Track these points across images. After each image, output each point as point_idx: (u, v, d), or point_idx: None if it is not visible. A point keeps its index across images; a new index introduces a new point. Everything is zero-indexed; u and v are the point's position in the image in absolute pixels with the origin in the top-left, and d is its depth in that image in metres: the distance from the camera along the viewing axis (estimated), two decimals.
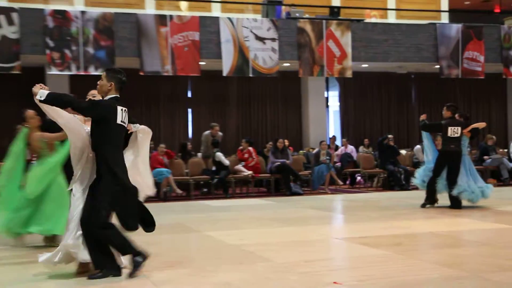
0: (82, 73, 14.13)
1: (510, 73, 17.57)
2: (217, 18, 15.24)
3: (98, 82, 5.60)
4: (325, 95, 18.15)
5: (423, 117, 10.85)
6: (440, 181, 10.53)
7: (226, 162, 14.04)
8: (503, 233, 8.04)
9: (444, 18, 18.80)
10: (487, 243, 7.17)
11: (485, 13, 21.75)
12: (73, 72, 14.10)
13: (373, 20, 17.57)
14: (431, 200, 10.79)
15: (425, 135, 11.44)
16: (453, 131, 10.38)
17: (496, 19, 20.02)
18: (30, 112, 7.30)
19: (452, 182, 10.32)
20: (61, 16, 13.96)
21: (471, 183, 10.50)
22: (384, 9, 18.54)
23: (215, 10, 16.73)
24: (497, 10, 21.78)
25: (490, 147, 16.57)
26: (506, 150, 16.88)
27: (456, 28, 17.03)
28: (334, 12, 16.92)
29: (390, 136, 15.65)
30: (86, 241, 5.13)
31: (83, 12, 14.24)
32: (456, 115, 10.75)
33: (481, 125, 11.39)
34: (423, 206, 10.76)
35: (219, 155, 14.11)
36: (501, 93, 19.78)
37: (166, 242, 7.65)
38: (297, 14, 16.31)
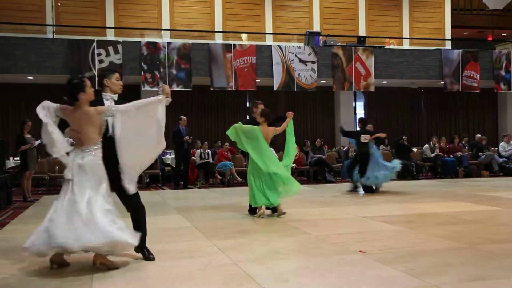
0: None
1: (500, 88, 17.24)
2: (269, 46, 15.30)
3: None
4: (353, 105, 18.01)
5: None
6: (354, 173, 11.15)
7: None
8: (494, 214, 7.91)
9: (448, 45, 18.52)
10: (481, 222, 7.07)
11: (481, 40, 21.30)
12: (145, 88, 14.34)
13: (391, 46, 17.39)
14: (354, 186, 11.45)
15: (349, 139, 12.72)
16: (364, 138, 11.05)
17: (489, 45, 19.66)
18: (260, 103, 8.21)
19: (362, 173, 10.81)
20: (153, 46, 14.25)
21: (376, 173, 10.87)
22: (400, 38, 18.33)
23: (268, 40, 16.78)
24: (490, 38, 21.33)
25: (483, 146, 16.30)
26: (496, 148, 16.57)
27: (457, 53, 16.76)
28: (361, 40, 16.79)
29: (404, 137, 15.51)
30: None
31: (169, 43, 14.50)
32: (369, 126, 12.05)
33: (381, 135, 11.98)
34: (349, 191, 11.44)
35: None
36: (493, 104, 19.43)
37: (229, 218, 7.74)
38: (332, 42, 16.23)
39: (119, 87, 4.98)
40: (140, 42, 14.38)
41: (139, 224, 4.85)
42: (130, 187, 4.68)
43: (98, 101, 4.75)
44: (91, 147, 4.57)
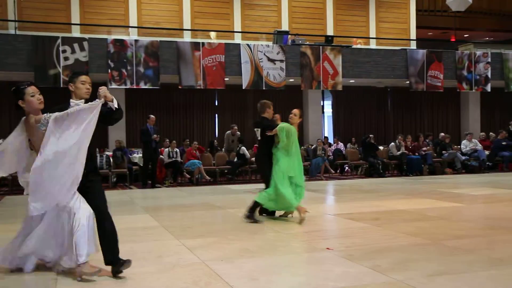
0: (134, 87, 14.28)
1: (463, 87, 17.57)
2: (238, 45, 15.29)
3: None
4: (321, 104, 18.14)
5: None
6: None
7: (248, 155, 14.13)
8: (456, 210, 8.08)
9: (413, 45, 18.80)
10: (444, 218, 7.20)
11: (444, 41, 21.70)
12: (128, 86, 14.24)
13: (359, 46, 17.57)
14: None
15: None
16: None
17: (452, 46, 20.01)
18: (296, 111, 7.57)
19: None
20: (120, 44, 14.08)
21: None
22: (367, 38, 18.54)
23: (237, 38, 16.78)
24: (453, 39, 21.74)
25: (447, 144, 16.58)
26: (459, 146, 16.87)
27: (422, 53, 17.02)
28: (329, 40, 16.92)
29: (371, 135, 15.69)
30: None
31: (136, 41, 14.36)
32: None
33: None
34: None
35: (244, 149, 14.24)
36: (456, 103, 19.77)
37: (198, 217, 7.72)
38: (300, 41, 16.31)
39: (85, 91, 4.49)
40: (106, 39, 14.18)
41: None
42: (34, 206, 4.17)
43: (60, 109, 4.32)
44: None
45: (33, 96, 4.29)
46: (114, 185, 13.30)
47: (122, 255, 4.40)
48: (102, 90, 4.31)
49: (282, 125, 7.20)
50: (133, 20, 16.29)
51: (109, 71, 13.92)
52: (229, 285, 3.95)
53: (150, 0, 16.53)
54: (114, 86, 14.00)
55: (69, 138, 4.09)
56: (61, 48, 13.52)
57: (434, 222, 6.87)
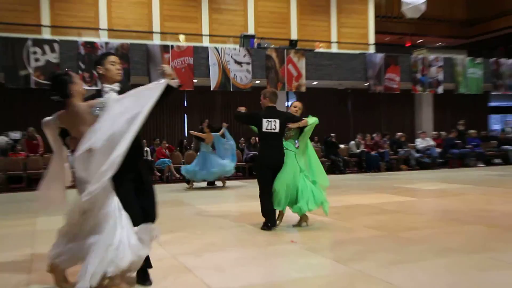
0: None
1: (417, 89, 17.83)
2: (206, 47, 15.23)
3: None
4: (286, 105, 18.21)
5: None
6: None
7: None
8: (411, 203, 8.25)
9: (372, 49, 19.00)
10: (400, 211, 7.34)
11: (400, 46, 22.04)
12: (99, 87, 13.98)
13: (321, 50, 17.69)
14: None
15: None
16: None
17: (407, 50, 20.32)
18: (298, 104, 6.81)
19: None
20: (90, 46, 13.86)
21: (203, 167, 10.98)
22: (329, 42, 18.68)
23: (205, 42, 16.71)
24: (408, 44, 22.09)
25: (402, 143, 16.89)
26: (413, 144, 17.15)
27: (380, 57, 17.24)
28: (293, 43, 17.00)
29: (332, 135, 15.87)
30: None
31: (106, 43, 14.16)
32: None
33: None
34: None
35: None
36: (411, 104, 20.09)
37: (167, 213, 7.68)
38: (266, 45, 16.36)
39: (116, 73, 3.94)
40: (77, 41, 13.93)
41: None
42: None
43: (93, 96, 3.85)
44: None
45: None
46: None
47: None
48: (167, 68, 3.96)
49: (313, 117, 6.63)
50: (103, 23, 16.05)
51: (80, 72, 13.67)
52: (197, 277, 3.97)
53: (120, 4, 16.32)
54: (85, 87, 13.75)
55: (129, 118, 3.56)
56: (31, 50, 13.22)
57: (391, 216, 6.99)
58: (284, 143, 6.32)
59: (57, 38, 14.05)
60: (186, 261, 4.46)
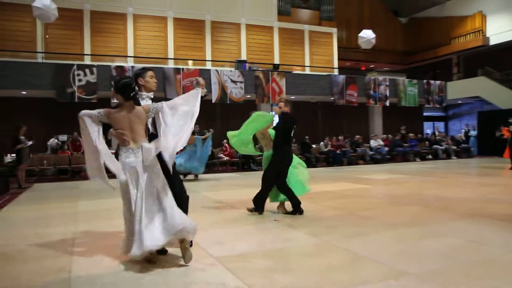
0: None
1: (370, 102, 17.93)
2: (209, 70, 15.19)
3: None
4: (270, 114, 18.23)
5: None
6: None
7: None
8: (366, 190, 8.25)
9: (336, 72, 19.08)
10: (358, 196, 7.35)
11: (357, 70, 22.17)
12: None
13: (297, 72, 17.73)
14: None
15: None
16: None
17: (362, 73, 20.44)
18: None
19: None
20: (120, 69, 13.75)
21: (187, 161, 10.36)
22: (303, 66, 18.73)
23: (208, 65, 16.67)
24: (363, 68, 22.23)
25: (360, 143, 16.94)
26: (368, 144, 17.21)
27: (342, 77, 17.31)
28: (276, 67, 17.00)
29: (306, 137, 15.88)
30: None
31: (132, 67, 14.05)
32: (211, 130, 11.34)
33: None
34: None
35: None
36: (366, 113, 20.12)
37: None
38: (255, 68, 16.34)
39: (154, 85, 3.86)
40: (110, 66, 13.82)
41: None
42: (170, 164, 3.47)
43: (119, 104, 3.69)
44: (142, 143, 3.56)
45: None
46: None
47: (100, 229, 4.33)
48: (200, 79, 3.85)
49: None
50: (130, 51, 15.97)
51: (112, 89, 13.57)
52: (203, 249, 3.95)
53: (143, 37, 16.24)
54: (115, 101, 13.66)
55: (186, 115, 3.58)
56: (76, 72, 13.12)
57: (351, 199, 7.01)
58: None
59: (95, 63, 13.96)
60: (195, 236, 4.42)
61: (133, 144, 3.53)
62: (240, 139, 5.86)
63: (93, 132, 3.53)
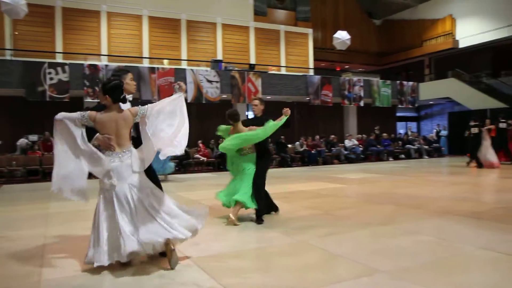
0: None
1: (345, 103, 18.12)
2: (184, 69, 15.06)
3: None
4: (246, 114, 18.20)
5: None
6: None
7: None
8: (340, 189, 8.33)
9: (311, 72, 19.23)
10: (332, 195, 7.42)
11: (332, 70, 22.42)
12: (99, 100, 13.64)
13: (273, 72, 17.77)
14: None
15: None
16: None
17: (337, 73, 20.67)
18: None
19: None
20: (93, 67, 13.46)
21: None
22: (279, 66, 18.79)
23: (184, 65, 16.52)
24: (338, 69, 22.49)
25: (335, 143, 17.12)
26: (343, 144, 17.39)
27: (317, 78, 17.46)
28: (252, 67, 17.00)
29: (282, 137, 15.92)
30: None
31: (106, 65, 13.79)
32: None
33: None
34: None
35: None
36: (340, 114, 20.33)
37: None
38: (230, 68, 16.29)
39: (133, 87, 3.80)
40: (83, 64, 13.52)
41: None
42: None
43: (100, 106, 3.59)
44: (128, 148, 3.46)
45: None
46: (89, 175, 12.74)
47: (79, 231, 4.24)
48: (182, 85, 3.74)
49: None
50: (104, 50, 15.68)
51: (85, 88, 13.29)
52: (179, 250, 3.91)
53: (117, 35, 15.96)
54: (89, 100, 13.39)
55: (166, 117, 3.53)
56: (47, 71, 12.77)
57: (326, 199, 7.04)
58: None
59: (67, 61, 13.63)
60: None
61: (118, 149, 3.41)
62: (244, 142, 5.24)
63: (77, 136, 3.31)
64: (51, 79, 12.82)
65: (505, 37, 19.72)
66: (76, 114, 3.35)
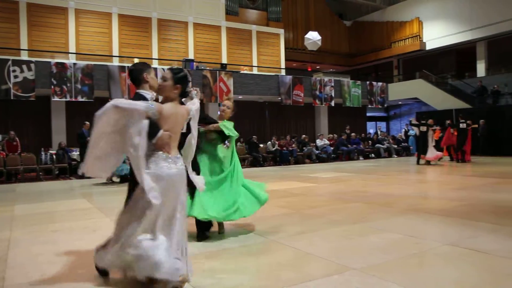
0: (73, 100, 13.32)
1: (316, 103, 18.35)
2: (155, 68, 14.83)
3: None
4: (218, 113, 18.13)
5: None
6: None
7: None
8: (312, 188, 8.40)
9: (283, 72, 19.37)
10: (304, 194, 7.48)
11: (303, 70, 22.64)
12: (68, 99, 13.27)
13: (245, 72, 17.77)
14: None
15: None
16: None
17: (309, 74, 20.86)
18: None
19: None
20: (61, 66, 13.10)
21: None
22: (251, 66, 18.81)
23: (155, 64, 16.30)
24: (309, 69, 22.70)
25: (306, 142, 17.26)
26: (314, 144, 17.56)
27: (289, 78, 17.57)
28: (223, 66, 16.97)
29: (254, 136, 15.93)
30: None
31: (74, 63, 13.44)
32: None
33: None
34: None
35: None
36: (312, 113, 20.45)
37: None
38: (202, 67, 16.21)
39: (157, 84, 3.08)
40: (50, 62, 13.14)
41: None
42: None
43: (138, 98, 2.97)
44: (179, 153, 2.91)
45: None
46: (57, 176, 12.40)
47: (63, 231, 4.12)
48: (198, 90, 3.22)
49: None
50: (72, 48, 15.27)
51: (52, 87, 12.91)
52: None
53: (86, 33, 15.60)
54: (56, 99, 13.02)
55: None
56: (11, 68, 12.32)
57: (297, 198, 7.09)
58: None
59: (33, 59, 13.20)
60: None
61: (172, 151, 2.82)
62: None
63: (134, 132, 2.64)
64: (16, 77, 12.38)
65: (468, 40, 20.44)
66: (141, 104, 2.71)
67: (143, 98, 2.94)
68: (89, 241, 4.23)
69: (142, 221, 2.70)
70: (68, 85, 13.15)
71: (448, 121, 15.01)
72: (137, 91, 3.06)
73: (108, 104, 2.72)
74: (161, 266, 2.61)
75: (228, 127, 4.43)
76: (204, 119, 4.51)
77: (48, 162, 12.47)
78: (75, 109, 14.81)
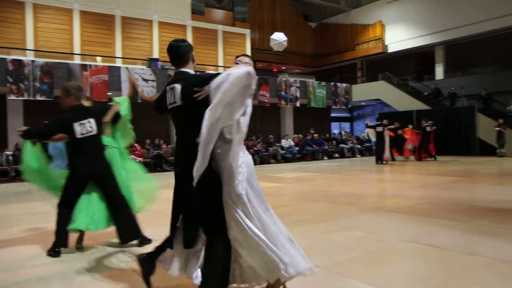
0: (31, 98, 12.83)
1: (281, 103, 18.50)
2: (119, 67, 14.55)
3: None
4: None
5: None
6: None
7: None
8: (278, 188, 8.45)
9: None
10: (270, 194, 7.47)
11: (269, 71, 22.79)
12: (26, 98, 12.77)
13: (211, 71, 17.62)
14: None
15: None
16: None
17: (274, 74, 21.05)
18: None
19: None
20: (18, 63, 12.59)
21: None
22: (217, 66, 18.70)
23: (118, 62, 15.96)
24: (275, 70, 22.90)
25: (272, 142, 17.37)
26: (279, 144, 17.66)
27: (256, 78, 17.59)
28: None
29: None
30: None
31: (33, 61, 12.95)
32: None
33: None
34: None
35: None
36: (277, 113, 20.55)
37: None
38: (167, 66, 16.00)
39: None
40: (6, 59, 12.58)
41: None
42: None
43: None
44: None
45: None
46: (13, 178, 11.90)
47: (24, 234, 3.97)
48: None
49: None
50: (30, 44, 14.69)
51: (8, 85, 12.38)
52: (139, 248, 3.76)
53: (45, 29, 15.04)
54: (12, 97, 12.49)
55: None
56: None
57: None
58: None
59: None
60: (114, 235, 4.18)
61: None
62: None
63: (246, 107, 2.39)
64: None
65: (427, 44, 21.21)
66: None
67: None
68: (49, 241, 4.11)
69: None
70: (26, 83, 12.66)
71: (410, 125, 15.68)
72: (182, 69, 2.60)
73: (243, 69, 2.23)
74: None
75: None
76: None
77: (3, 164, 11.96)
78: (33, 108, 14.27)
